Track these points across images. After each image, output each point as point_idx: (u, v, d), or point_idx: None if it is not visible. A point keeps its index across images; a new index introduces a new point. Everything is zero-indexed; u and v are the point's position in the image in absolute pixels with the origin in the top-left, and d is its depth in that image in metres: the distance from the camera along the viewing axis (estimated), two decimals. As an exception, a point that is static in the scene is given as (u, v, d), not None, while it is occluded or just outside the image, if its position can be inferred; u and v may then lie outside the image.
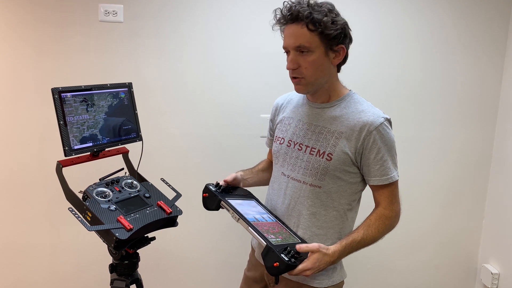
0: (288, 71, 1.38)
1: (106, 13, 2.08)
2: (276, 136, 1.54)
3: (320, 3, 1.33)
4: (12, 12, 2.05)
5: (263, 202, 1.53)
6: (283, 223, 1.42)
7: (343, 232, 1.43)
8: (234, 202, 1.38)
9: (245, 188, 1.57)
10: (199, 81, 2.18)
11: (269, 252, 1.21)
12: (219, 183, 1.45)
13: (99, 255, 2.23)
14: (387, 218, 1.37)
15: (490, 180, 2.37)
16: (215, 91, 2.20)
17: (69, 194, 1.34)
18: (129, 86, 1.50)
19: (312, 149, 1.40)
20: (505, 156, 2.26)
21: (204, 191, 1.41)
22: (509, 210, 2.21)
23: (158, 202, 1.43)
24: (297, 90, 1.42)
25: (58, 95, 1.29)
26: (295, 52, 1.34)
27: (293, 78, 1.38)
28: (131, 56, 2.13)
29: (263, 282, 1.53)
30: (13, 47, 2.08)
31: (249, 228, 1.28)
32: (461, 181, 2.37)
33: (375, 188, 1.39)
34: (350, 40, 1.38)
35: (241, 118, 2.22)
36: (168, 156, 2.21)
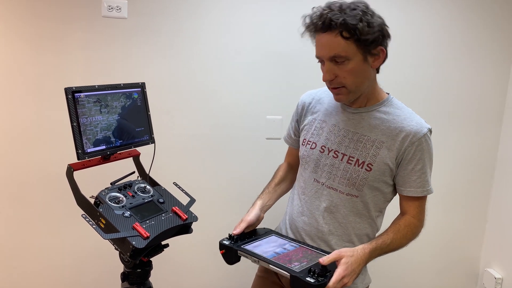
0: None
1: (109, 9, 2.01)
2: (304, 139, 1.46)
3: (353, 4, 1.24)
4: (11, 6, 1.95)
5: (285, 209, 1.48)
6: (308, 245, 1.36)
7: (373, 238, 1.41)
8: (251, 246, 1.32)
9: (263, 228, 1.48)
10: (205, 80, 2.13)
11: (294, 280, 1.15)
12: (231, 235, 1.35)
13: (99, 258, 2.16)
14: (415, 227, 1.34)
15: (494, 183, 2.37)
16: (220, 91, 2.14)
17: (81, 200, 1.27)
18: (142, 86, 1.43)
19: (350, 158, 1.33)
20: (509, 160, 2.26)
21: (220, 248, 1.34)
22: (514, 215, 2.22)
23: (173, 207, 1.37)
24: (338, 100, 1.35)
25: (72, 95, 1.21)
26: (330, 62, 1.25)
27: (332, 88, 1.31)
28: (134, 54, 2.06)
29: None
30: (12, 43, 1.98)
31: (270, 265, 1.22)
32: (465, 184, 2.37)
33: (406, 198, 1.35)
34: (389, 37, 1.30)
35: (247, 119, 2.17)
36: (171, 158, 2.14)
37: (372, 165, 1.31)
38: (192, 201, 1.45)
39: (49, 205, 2.11)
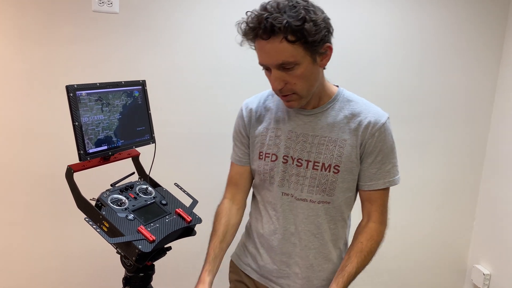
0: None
1: (100, 3, 1.94)
2: (260, 152, 1.33)
3: (290, 1, 1.09)
4: (-5, -2, 1.87)
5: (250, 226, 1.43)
6: None
7: (346, 238, 1.39)
8: None
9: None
10: (198, 76, 2.08)
11: None
12: None
13: (87, 261, 2.09)
14: (378, 234, 1.28)
15: (482, 181, 2.41)
16: (214, 88, 2.10)
17: (82, 202, 1.21)
18: (143, 84, 1.38)
19: (315, 164, 1.25)
20: (497, 158, 2.30)
21: None
22: (501, 211, 2.27)
23: (177, 209, 1.33)
24: (290, 107, 1.24)
25: (73, 93, 1.16)
26: (278, 69, 1.13)
27: (283, 96, 1.20)
28: (126, 50, 2.00)
29: None
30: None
31: None
32: (453, 182, 2.41)
33: (368, 196, 1.29)
34: (333, 30, 1.16)
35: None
36: (167, 158, 2.09)
37: (339, 166, 1.24)
38: (194, 202, 1.41)
39: (37, 206, 2.04)
